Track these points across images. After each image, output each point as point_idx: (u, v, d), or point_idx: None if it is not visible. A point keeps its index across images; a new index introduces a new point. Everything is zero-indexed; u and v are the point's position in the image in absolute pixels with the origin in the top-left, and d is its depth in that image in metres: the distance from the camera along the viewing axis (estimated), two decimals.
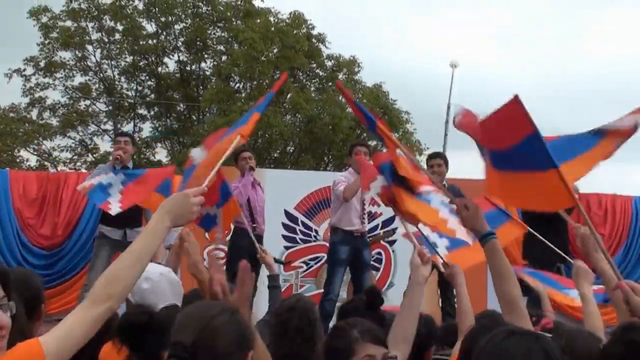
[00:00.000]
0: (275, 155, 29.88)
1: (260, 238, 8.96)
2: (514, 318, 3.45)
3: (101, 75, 34.58)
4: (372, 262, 9.85)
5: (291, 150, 30.13)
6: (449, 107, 33.05)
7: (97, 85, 34.88)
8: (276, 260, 10.19)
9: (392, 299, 11.86)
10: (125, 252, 2.86)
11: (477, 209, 3.63)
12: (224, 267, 7.85)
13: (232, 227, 9.01)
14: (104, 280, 2.79)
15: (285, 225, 12.55)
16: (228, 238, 9.40)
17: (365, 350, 3.26)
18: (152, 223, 2.98)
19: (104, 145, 35.09)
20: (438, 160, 8.85)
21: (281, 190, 12.39)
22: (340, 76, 32.25)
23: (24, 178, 13.35)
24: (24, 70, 33.41)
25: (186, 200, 3.10)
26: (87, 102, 34.94)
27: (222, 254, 10.90)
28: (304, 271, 12.65)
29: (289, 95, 29.75)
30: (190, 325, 2.67)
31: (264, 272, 9.28)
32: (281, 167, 31.41)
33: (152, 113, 35.18)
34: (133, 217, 8.32)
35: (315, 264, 12.64)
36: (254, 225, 8.77)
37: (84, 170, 34.32)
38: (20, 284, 3.64)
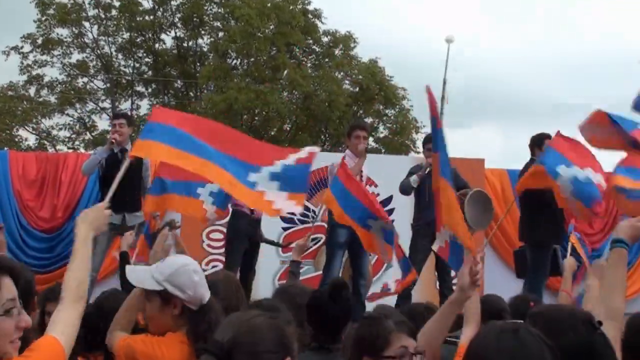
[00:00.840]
0: (272, 133, 29.84)
1: (258, 222, 9.01)
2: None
3: (98, 52, 34.48)
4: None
5: (288, 128, 30.09)
6: (444, 83, 33.13)
7: (94, 63, 34.79)
8: (274, 243, 10.28)
9: (390, 280, 11.96)
10: (77, 259, 3.27)
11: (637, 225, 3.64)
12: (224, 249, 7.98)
13: (231, 209, 9.05)
14: (75, 282, 3.13)
15: None
16: (227, 220, 9.46)
17: (400, 341, 3.24)
18: (83, 235, 3.43)
19: (102, 123, 35.14)
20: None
21: None
22: (337, 52, 32.19)
23: (23, 159, 13.39)
24: (22, 47, 33.38)
25: (100, 212, 3.64)
26: (85, 79, 34.87)
27: (221, 235, 10.96)
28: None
29: (285, 72, 29.70)
30: (230, 325, 2.67)
31: (261, 256, 9.42)
32: (278, 145, 31.40)
33: (149, 90, 35.13)
34: (132, 201, 8.37)
35: (314, 245, 12.66)
36: (252, 209, 8.80)
37: (82, 150, 34.43)
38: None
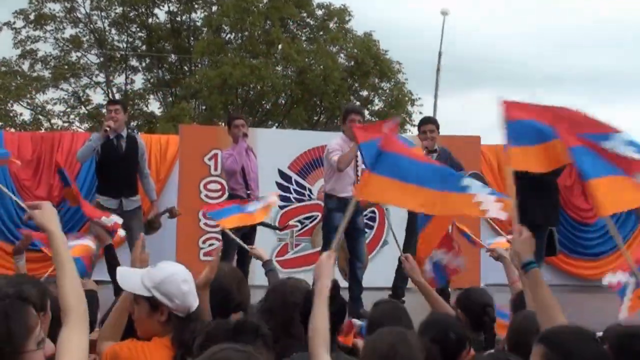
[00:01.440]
0: (268, 107, 29.79)
1: None
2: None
3: (91, 26, 34.31)
4: (366, 222, 9.87)
5: (283, 102, 30.03)
6: (440, 55, 33.16)
7: (87, 37, 34.63)
8: (270, 226, 10.34)
9: (386, 257, 12.04)
10: (67, 270, 2.96)
11: (530, 238, 3.64)
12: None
13: (228, 193, 9.12)
14: (76, 298, 2.90)
15: (279, 185, 12.62)
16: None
17: None
18: (59, 237, 3.06)
19: (97, 97, 35.06)
20: (430, 125, 8.85)
21: (274, 150, 12.46)
22: (331, 25, 32.04)
23: (18, 139, 13.38)
24: (14, 23, 33.21)
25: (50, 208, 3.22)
26: (79, 54, 34.74)
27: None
28: (299, 230, 12.74)
29: (279, 47, 29.61)
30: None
31: (258, 235, 9.46)
32: (273, 119, 31.39)
33: (143, 65, 35.01)
34: (129, 186, 8.41)
35: (310, 222, 12.74)
36: (248, 192, 8.85)
37: (77, 124, 34.40)
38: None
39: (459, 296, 4.94)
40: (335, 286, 3.77)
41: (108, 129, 8.47)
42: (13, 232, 12.94)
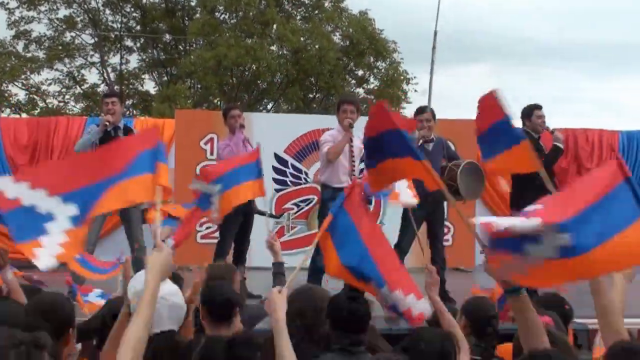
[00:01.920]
0: (263, 87, 29.74)
1: None
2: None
3: (85, 7, 34.18)
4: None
5: (279, 82, 29.98)
6: (435, 34, 33.02)
7: (81, 17, 34.49)
8: (270, 215, 10.42)
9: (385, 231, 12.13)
10: (140, 319, 3.04)
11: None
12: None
13: None
14: (134, 340, 2.98)
15: (275, 169, 12.72)
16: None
17: None
18: (152, 289, 3.15)
19: (92, 77, 34.98)
20: (427, 115, 8.88)
21: (270, 134, 12.51)
22: (326, 4, 31.95)
23: (14, 125, 13.44)
24: (7, 3, 33.04)
25: (169, 257, 3.33)
26: (73, 34, 34.60)
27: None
28: (295, 213, 12.88)
29: (274, 27, 29.54)
30: None
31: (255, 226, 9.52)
32: (269, 97, 31.36)
33: (138, 45, 34.92)
34: None
35: (306, 205, 12.87)
36: None
37: (72, 104, 34.37)
38: (48, 312, 3.94)
39: (464, 304, 4.98)
40: (356, 296, 3.89)
41: (107, 123, 8.51)
42: None
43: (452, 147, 9.78)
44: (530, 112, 9.02)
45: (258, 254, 9.66)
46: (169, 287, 3.87)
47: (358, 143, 8.87)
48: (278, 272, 5.38)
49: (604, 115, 64.11)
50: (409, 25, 47.75)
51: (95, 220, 8.50)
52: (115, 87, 34.00)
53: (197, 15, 32.61)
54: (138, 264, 7.63)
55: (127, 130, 8.92)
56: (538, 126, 8.99)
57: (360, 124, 5.35)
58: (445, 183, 8.69)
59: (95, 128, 8.65)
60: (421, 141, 8.61)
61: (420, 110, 9.00)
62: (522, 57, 57.39)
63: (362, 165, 8.66)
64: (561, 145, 8.91)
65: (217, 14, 31.15)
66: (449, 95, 56.07)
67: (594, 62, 62.79)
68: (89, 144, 8.47)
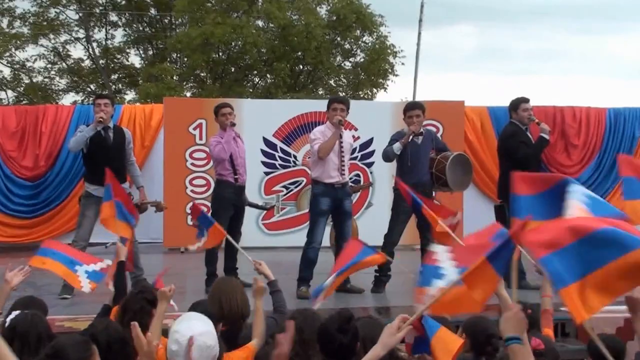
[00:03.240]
0: (250, 62, 29.56)
1: (242, 189, 9.18)
2: None
3: None
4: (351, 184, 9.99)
5: (265, 58, 29.83)
6: (422, 6, 33.15)
7: None
8: (258, 206, 10.52)
9: (373, 217, 12.31)
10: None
11: (521, 316, 3.52)
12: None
13: (215, 179, 9.27)
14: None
15: (264, 152, 12.83)
16: (211, 190, 9.90)
17: None
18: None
19: (77, 52, 34.74)
20: (417, 110, 8.94)
21: (259, 119, 12.69)
22: None
23: (2, 113, 13.58)
24: None
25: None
26: (57, 10, 34.28)
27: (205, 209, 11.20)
28: (285, 195, 13.05)
29: (260, 2, 29.41)
30: None
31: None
32: (255, 72, 31.25)
33: (123, 20, 34.64)
34: (118, 174, 8.44)
35: (295, 187, 13.05)
36: (236, 177, 8.97)
37: (57, 80, 34.19)
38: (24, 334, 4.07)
39: (466, 322, 5.03)
40: (348, 317, 3.98)
41: (102, 120, 8.59)
42: (6, 205, 13.35)
43: (440, 138, 9.97)
44: (517, 104, 9.24)
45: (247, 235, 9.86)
46: (199, 326, 3.71)
47: (347, 139, 8.97)
48: (274, 291, 5.46)
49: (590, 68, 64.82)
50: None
51: (87, 217, 8.61)
52: (101, 61, 33.88)
53: None
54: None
55: (117, 130, 9.03)
56: (525, 119, 9.19)
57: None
58: (434, 175, 8.89)
59: (87, 127, 8.78)
60: (412, 136, 8.71)
61: (410, 107, 9.10)
62: (508, 14, 57.60)
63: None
64: (547, 137, 9.09)
65: None
66: (435, 53, 56.45)
67: (584, 19, 62.69)
68: (83, 140, 8.58)
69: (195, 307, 4.70)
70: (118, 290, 5.57)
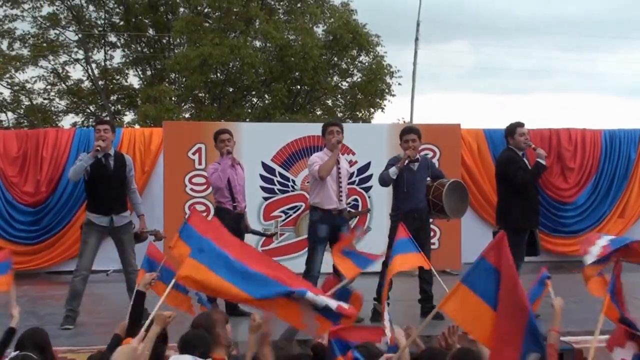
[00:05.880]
0: (247, 83, 29.61)
1: (241, 216, 9.28)
2: None
3: (69, 3, 33.99)
4: (349, 209, 10.05)
5: (263, 79, 29.92)
6: (418, 25, 33.27)
7: (65, 14, 34.31)
8: (260, 233, 10.58)
9: (370, 243, 12.31)
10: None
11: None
12: None
13: (214, 206, 9.34)
14: None
15: (262, 177, 12.87)
16: (210, 218, 9.89)
17: None
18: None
19: (77, 74, 34.84)
20: (412, 135, 8.95)
21: (258, 143, 12.72)
22: None
23: (3, 137, 13.56)
24: None
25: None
26: (57, 31, 34.48)
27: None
28: (283, 220, 13.03)
29: (257, 22, 29.57)
30: None
31: None
32: (253, 93, 31.32)
33: (122, 41, 34.81)
34: (119, 202, 8.55)
35: (294, 212, 13.05)
36: (235, 204, 9.04)
37: (57, 101, 34.31)
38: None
39: (453, 354, 5.08)
40: (322, 349, 4.06)
41: (99, 148, 8.56)
42: (7, 231, 13.36)
43: (436, 165, 10.04)
44: (513, 130, 9.20)
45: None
46: None
47: (345, 165, 9.07)
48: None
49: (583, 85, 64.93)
50: (393, 21, 47.72)
51: (89, 245, 8.60)
52: (100, 82, 34.00)
53: (181, 9, 32.60)
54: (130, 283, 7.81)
55: (118, 158, 9.00)
56: (521, 143, 9.15)
57: None
58: (431, 201, 8.96)
59: (86, 155, 8.73)
60: (407, 161, 8.75)
61: (406, 131, 9.13)
62: (498, 30, 58.10)
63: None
64: (543, 162, 9.03)
65: (199, 8, 31.00)
66: (430, 71, 56.75)
67: (575, 37, 63.07)
68: (82, 169, 8.52)
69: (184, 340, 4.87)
70: (133, 321, 5.54)
